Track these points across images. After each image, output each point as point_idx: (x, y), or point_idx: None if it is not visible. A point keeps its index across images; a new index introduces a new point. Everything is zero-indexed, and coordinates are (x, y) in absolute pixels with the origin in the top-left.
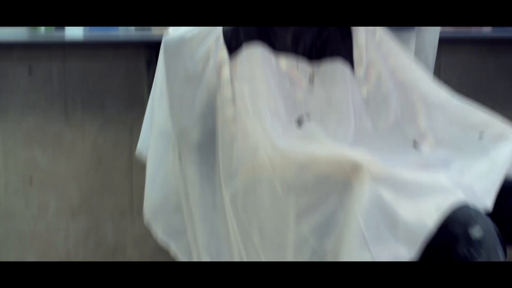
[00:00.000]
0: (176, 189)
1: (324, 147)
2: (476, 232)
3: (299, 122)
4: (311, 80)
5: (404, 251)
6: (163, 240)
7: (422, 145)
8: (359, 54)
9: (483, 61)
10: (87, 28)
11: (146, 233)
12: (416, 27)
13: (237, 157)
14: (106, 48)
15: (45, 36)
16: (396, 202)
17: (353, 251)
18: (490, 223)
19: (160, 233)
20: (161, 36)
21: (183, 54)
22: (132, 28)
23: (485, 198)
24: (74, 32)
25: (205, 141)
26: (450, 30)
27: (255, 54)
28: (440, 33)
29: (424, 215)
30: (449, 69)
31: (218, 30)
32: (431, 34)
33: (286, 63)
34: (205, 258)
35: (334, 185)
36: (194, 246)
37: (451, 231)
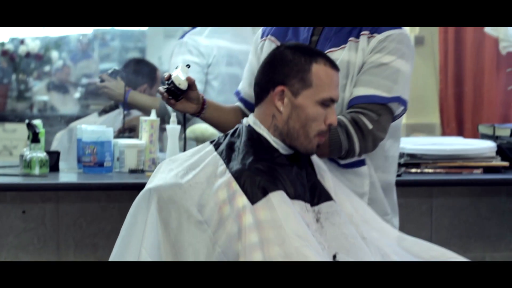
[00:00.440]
0: None
1: None
2: None
3: (334, 257)
4: (318, 220)
5: None
6: None
7: None
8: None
9: (474, 204)
10: (81, 171)
11: None
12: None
13: None
14: (99, 190)
15: (39, 178)
16: None
17: None
18: None
19: None
20: None
21: (183, 201)
22: (126, 171)
23: None
24: (68, 176)
25: None
26: (442, 172)
27: (281, 199)
28: (432, 176)
29: None
30: (441, 211)
31: (219, 179)
32: None
33: (299, 207)
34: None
35: None
36: None
37: None
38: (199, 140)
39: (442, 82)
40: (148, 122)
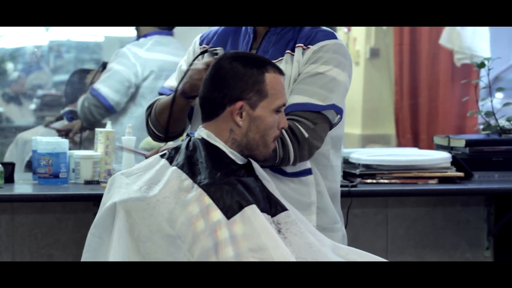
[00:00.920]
0: None
1: None
2: None
3: None
4: (280, 231)
5: None
6: None
7: None
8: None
9: (429, 214)
10: (36, 182)
11: None
12: None
13: None
14: (55, 202)
15: None
16: None
17: None
18: None
19: None
20: None
21: (153, 217)
22: (81, 182)
23: None
24: (23, 187)
25: None
26: (397, 182)
27: (255, 213)
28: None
29: None
30: (396, 221)
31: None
32: None
33: (266, 220)
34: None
35: None
36: None
37: None
38: None
39: (397, 93)
40: (103, 134)
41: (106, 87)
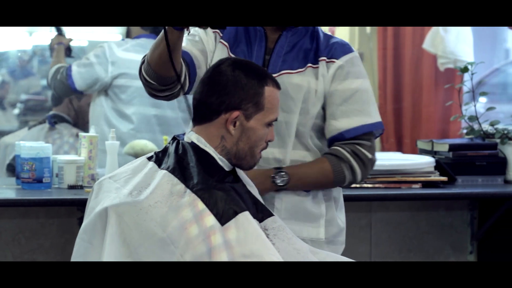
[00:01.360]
0: None
1: None
2: None
3: None
4: (268, 237)
5: None
6: None
7: None
8: None
9: (413, 218)
10: (20, 187)
11: None
12: None
13: None
14: (38, 206)
15: None
16: None
17: None
18: None
19: None
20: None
21: (146, 223)
22: (65, 187)
23: None
24: (6, 192)
25: None
26: (381, 187)
27: (248, 219)
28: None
29: None
30: (380, 226)
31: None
32: None
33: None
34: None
35: None
36: None
37: None
38: (139, 156)
39: (381, 98)
40: (87, 138)
41: (77, 73)
